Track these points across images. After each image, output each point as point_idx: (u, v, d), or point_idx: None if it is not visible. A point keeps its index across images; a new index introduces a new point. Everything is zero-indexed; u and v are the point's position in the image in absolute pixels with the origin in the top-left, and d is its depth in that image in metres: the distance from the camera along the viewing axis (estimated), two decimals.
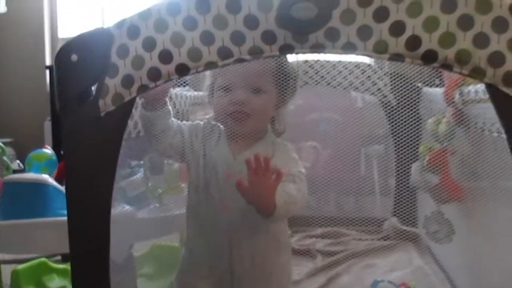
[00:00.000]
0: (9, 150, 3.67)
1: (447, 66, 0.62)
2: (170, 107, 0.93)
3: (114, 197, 1.33)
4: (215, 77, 0.96)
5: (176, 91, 1.13)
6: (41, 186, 1.25)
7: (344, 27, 0.62)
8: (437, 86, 1.49)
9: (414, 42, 0.61)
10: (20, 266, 1.58)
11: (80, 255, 0.74)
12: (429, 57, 0.62)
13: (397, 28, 0.61)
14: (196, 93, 1.27)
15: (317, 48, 0.63)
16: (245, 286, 0.97)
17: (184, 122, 0.99)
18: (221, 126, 0.98)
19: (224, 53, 0.65)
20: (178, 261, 1.09)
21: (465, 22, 0.60)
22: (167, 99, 0.93)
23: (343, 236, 1.64)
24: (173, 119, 0.95)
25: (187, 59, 0.66)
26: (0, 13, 3.93)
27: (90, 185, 0.73)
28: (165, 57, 0.66)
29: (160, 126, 0.92)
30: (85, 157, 0.71)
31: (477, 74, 0.62)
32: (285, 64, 0.94)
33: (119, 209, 1.26)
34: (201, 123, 1.00)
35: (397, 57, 0.62)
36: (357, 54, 0.63)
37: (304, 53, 0.63)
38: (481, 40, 0.60)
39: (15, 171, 1.60)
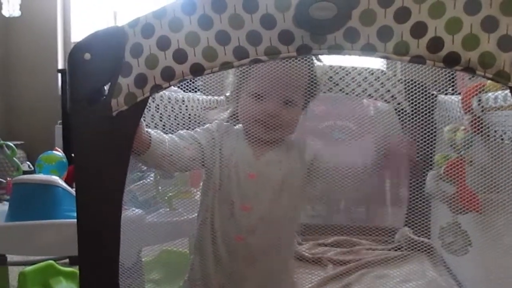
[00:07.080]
0: (20, 152, 3.71)
1: (469, 69, 0.60)
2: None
3: (124, 201, 1.32)
4: (243, 78, 0.93)
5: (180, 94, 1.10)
6: (50, 187, 1.24)
7: (363, 27, 0.60)
8: (452, 93, 1.47)
9: (436, 44, 0.59)
10: (28, 268, 1.56)
11: (89, 257, 0.73)
12: (451, 60, 0.60)
13: (419, 30, 0.59)
14: (207, 97, 1.24)
15: (335, 49, 0.61)
16: None
17: (189, 130, 0.96)
18: (237, 126, 0.97)
19: (240, 53, 0.63)
20: (186, 268, 1.06)
21: (489, 24, 0.58)
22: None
23: (354, 245, 1.61)
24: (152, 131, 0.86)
25: (202, 59, 0.65)
26: (14, 17, 3.98)
27: (101, 187, 0.71)
28: (180, 56, 0.65)
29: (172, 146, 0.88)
30: (95, 158, 0.70)
31: (501, 77, 0.59)
32: (315, 75, 0.93)
33: (130, 212, 1.25)
34: (214, 125, 0.98)
35: (418, 59, 0.60)
36: (376, 56, 0.61)
37: (322, 54, 0.61)
38: (505, 43, 0.58)
39: (25, 172, 1.61)
